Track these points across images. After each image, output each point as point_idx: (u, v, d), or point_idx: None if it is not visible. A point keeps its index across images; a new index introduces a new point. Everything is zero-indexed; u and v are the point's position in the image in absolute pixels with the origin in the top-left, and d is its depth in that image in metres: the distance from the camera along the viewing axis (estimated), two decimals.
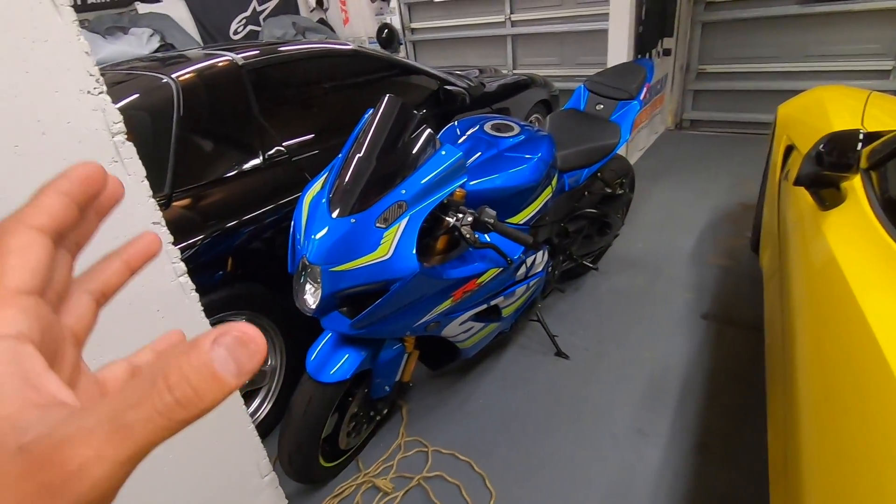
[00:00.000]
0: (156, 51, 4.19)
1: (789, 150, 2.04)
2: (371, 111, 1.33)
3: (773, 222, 1.98)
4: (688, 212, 3.15)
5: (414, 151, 1.24)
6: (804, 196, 1.47)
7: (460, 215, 1.28)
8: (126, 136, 0.98)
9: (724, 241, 2.78)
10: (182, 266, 1.11)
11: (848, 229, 1.18)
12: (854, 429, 0.84)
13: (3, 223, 0.21)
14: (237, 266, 1.71)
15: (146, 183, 1.02)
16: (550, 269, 1.92)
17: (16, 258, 0.20)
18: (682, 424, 1.71)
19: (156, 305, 1.07)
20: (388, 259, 1.16)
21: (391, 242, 1.16)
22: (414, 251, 1.15)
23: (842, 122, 1.73)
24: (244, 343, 0.18)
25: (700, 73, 4.32)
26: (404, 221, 1.18)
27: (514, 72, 4.52)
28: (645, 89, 2.11)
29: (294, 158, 1.92)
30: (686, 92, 4.47)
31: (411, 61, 2.65)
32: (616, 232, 2.32)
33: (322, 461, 1.52)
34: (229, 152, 1.80)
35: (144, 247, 0.29)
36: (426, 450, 1.73)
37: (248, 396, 1.84)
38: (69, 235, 0.25)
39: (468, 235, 1.26)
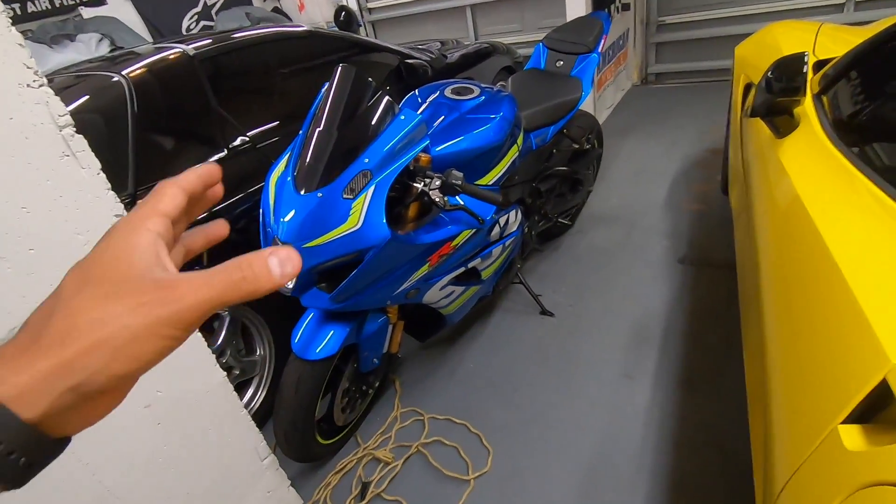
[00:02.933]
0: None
1: (748, 87, 2.07)
2: (326, 85, 1.31)
3: (738, 160, 2.02)
4: (659, 163, 3.19)
5: (373, 120, 1.23)
6: (762, 127, 1.51)
7: (427, 180, 1.29)
8: (75, 129, 0.96)
9: (696, 187, 2.82)
10: None
11: (803, 152, 1.21)
12: (812, 343, 0.87)
13: (165, 183, 0.34)
14: (212, 259, 1.69)
15: (103, 175, 1.01)
16: (526, 229, 1.94)
17: (168, 198, 0.33)
18: (666, 365, 1.76)
19: None
20: (359, 229, 1.16)
21: (360, 212, 1.17)
22: (384, 219, 1.16)
23: (791, 51, 1.76)
24: (287, 259, 0.29)
25: (660, 24, 4.32)
26: (371, 190, 1.18)
27: (476, 42, 4.48)
28: (603, 41, 2.12)
29: (259, 146, 1.90)
30: (649, 46, 4.48)
31: (369, 38, 2.61)
32: (588, 188, 2.34)
33: (320, 439, 1.54)
34: (191, 146, 1.78)
35: (219, 228, 0.41)
36: (422, 418, 1.77)
37: (241, 387, 1.84)
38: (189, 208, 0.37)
39: (437, 199, 1.27)
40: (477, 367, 1.94)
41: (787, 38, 1.91)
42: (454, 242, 1.41)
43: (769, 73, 1.25)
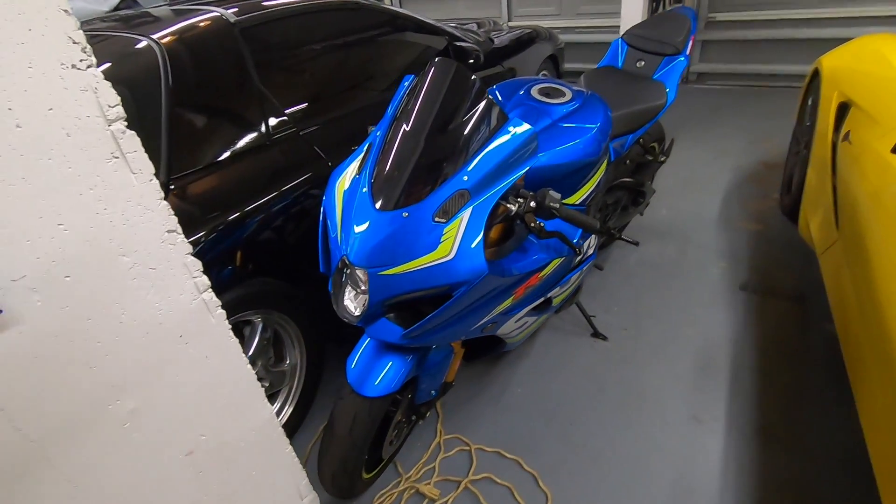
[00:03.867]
0: (116, 7, 3.73)
1: (843, 107, 1.88)
2: (412, 78, 1.11)
3: (826, 188, 1.85)
4: (708, 172, 3.01)
5: (475, 128, 1.03)
6: (892, 162, 1.33)
7: (521, 200, 1.10)
8: (126, 123, 0.76)
9: (750, 204, 2.65)
10: (205, 280, 0.91)
11: None
12: None
13: None
14: (247, 261, 1.50)
15: (156, 182, 0.81)
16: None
17: None
18: (738, 408, 1.61)
19: (177, 330, 0.88)
20: (451, 260, 0.98)
21: (454, 240, 0.98)
22: (483, 250, 0.97)
23: None
24: None
25: (709, 21, 4.08)
26: (467, 214, 0.99)
27: (511, 24, 4.21)
28: (691, 42, 1.91)
29: (302, 132, 1.69)
30: (695, 42, 4.24)
31: (417, 15, 2.36)
32: (648, 201, 2.16)
33: (364, 473, 1.38)
34: (229, 129, 1.55)
35: None
36: (468, 448, 1.61)
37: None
38: None
39: (532, 224, 1.08)
40: (526, 393, 1.78)
41: None
42: (543, 273, 1.23)
43: None
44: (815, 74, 2.26)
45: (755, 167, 3.00)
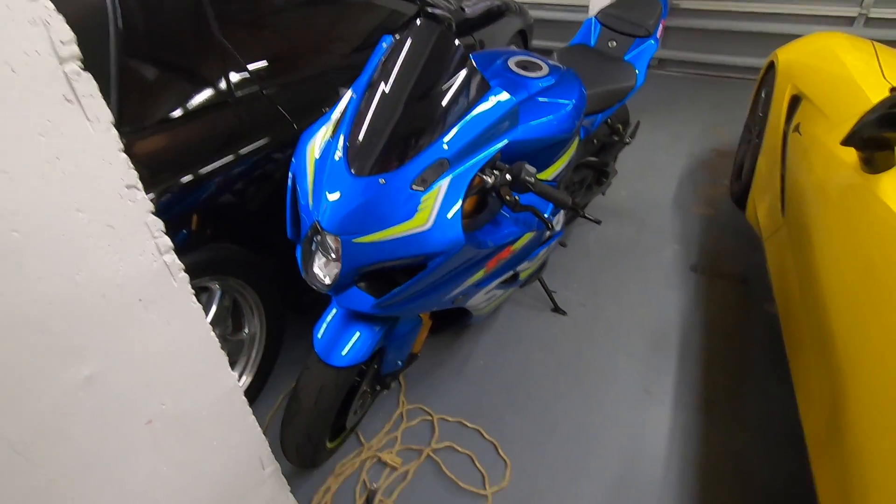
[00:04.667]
0: None
1: (795, 100, 1.98)
2: (391, 39, 1.06)
3: (774, 177, 1.95)
4: (665, 158, 3.11)
5: (457, 96, 1.01)
6: (837, 155, 1.41)
7: (497, 173, 1.09)
8: (82, 64, 0.69)
9: (703, 190, 2.77)
10: (167, 241, 0.86)
11: None
12: None
13: None
14: (204, 225, 1.43)
15: (115, 133, 0.74)
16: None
17: None
18: (686, 382, 1.71)
19: (137, 293, 0.82)
20: (428, 229, 0.96)
21: (431, 209, 0.96)
22: (461, 221, 0.96)
23: (861, 74, 1.67)
24: None
25: (674, 8, 4.15)
26: (445, 183, 0.98)
27: None
28: (661, 27, 1.94)
29: (266, 92, 1.60)
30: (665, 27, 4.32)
31: None
32: (610, 181, 2.21)
33: (327, 443, 1.37)
34: (185, 83, 1.45)
35: None
36: (430, 418, 1.63)
37: None
38: None
39: (508, 197, 1.08)
40: (487, 365, 1.81)
41: (849, 56, 1.81)
42: (514, 246, 1.24)
43: (892, 107, 1.14)
44: (771, 67, 2.36)
45: (708, 154, 3.13)
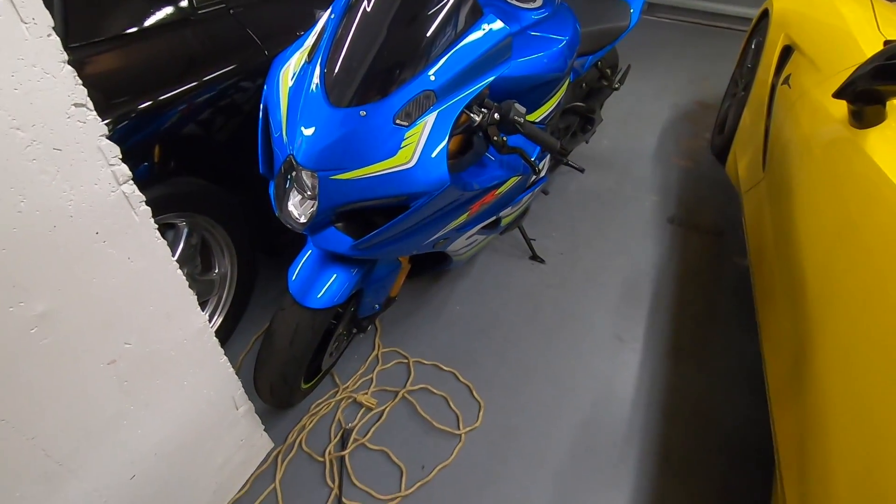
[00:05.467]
0: None
1: (787, 50, 1.93)
2: None
3: (758, 130, 1.93)
4: (649, 108, 3.06)
5: (445, 23, 0.92)
6: (825, 108, 1.39)
7: (485, 111, 1.03)
8: None
9: (684, 142, 2.76)
10: (125, 170, 0.78)
11: None
12: None
13: None
14: (167, 157, 1.33)
15: (56, 40, 0.65)
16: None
17: None
18: (656, 331, 1.76)
19: (93, 226, 0.76)
20: (412, 168, 0.90)
21: (415, 146, 0.90)
22: (446, 160, 0.90)
23: (858, 26, 1.63)
24: None
25: None
26: (431, 118, 0.91)
27: None
28: None
29: (232, 10, 1.45)
30: None
31: None
32: (595, 128, 2.16)
33: (302, 384, 1.36)
34: None
35: None
36: (406, 361, 1.64)
37: None
38: None
39: (495, 137, 1.03)
40: (464, 311, 1.81)
41: (846, 8, 1.75)
42: (499, 190, 1.19)
43: (887, 59, 1.10)
44: (764, 15, 2.29)
45: (692, 106, 3.09)
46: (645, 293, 1.89)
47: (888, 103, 1.20)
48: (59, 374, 0.77)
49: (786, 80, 1.79)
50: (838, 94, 1.24)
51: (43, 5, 0.62)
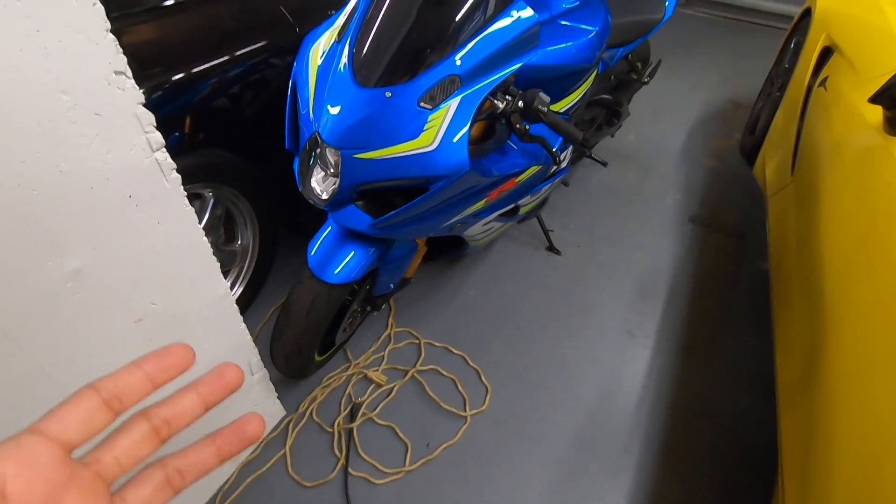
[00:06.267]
0: None
1: (826, 52, 1.87)
2: None
3: (790, 133, 1.89)
4: (679, 104, 3.00)
5: (474, 8, 0.93)
6: (861, 112, 1.36)
7: (510, 98, 1.03)
8: None
9: (713, 141, 2.70)
10: (159, 137, 0.82)
11: None
12: None
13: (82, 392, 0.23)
14: (197, 128, 1.36)
15: (101, 8, 0.68)
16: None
17: (71, 421, 0.22)
18: (668, 328, 1.75)
19: (126, 189, 0.79)
20: (433, 151, 0.92)
21: (438, 129, 0.92)
22: (467, 144, 0.92)
23: None
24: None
25: None
26: (455, 103, 0.92)
27: None
28: None
29: None
30: None
31: None
32: (621, 122, 2.13)
33: (316, 356, 1.41)
34: None
35: (224, 383, 0.28)
36: (417, 342, 1.67)
37: None
38: (157, 411, 0.26)
39: (518, 125, 1.03)
40: (478, 297, 1.83)
41: (893, 9, 1.69)
42: (519, 178, 1.20)
43: None
44: (806, 14, 2.22)
45: (724, 105, 3.02)
46: (660, 290, 1.89)
47: None
48: (90, 327, 0.82)
49: (822, 83, 1.74)
50: (874, 99, 1.21)
51: None
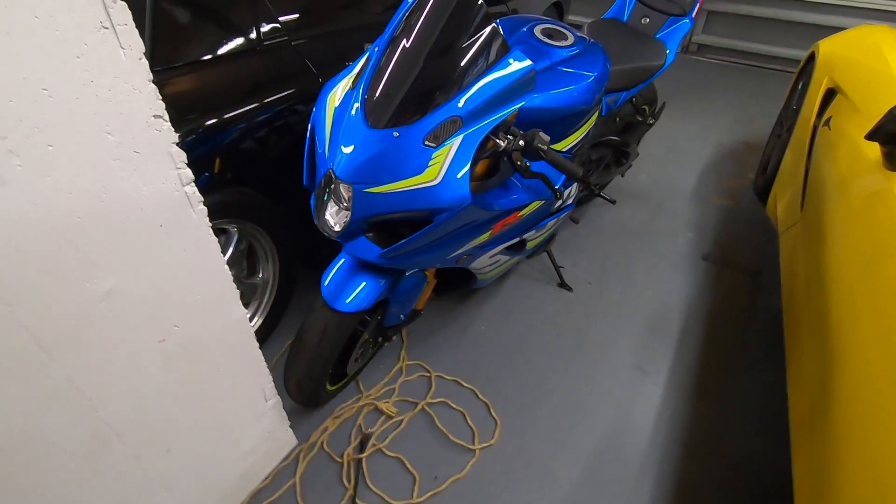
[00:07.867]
0: None
1: (830, 93, 1.92)
2: None
3: (799, 171, 1.92)
4: (691, 145, 3.06)
5: (475, 56, 1.02)
6: (861, 149, 1.39)
7: (511, 137, 1.11)
8: None
9: (726, 181, 2.73)
10: (188, 173, 0.91)
11: None
12: None
13: None
14: (225, 168, 1.48)
15: (145, 62, 0.78)
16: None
17: None
18: (681, 365, 1.74)
19: (158, 219, 0.88)
20: (436, 185, 0.99)
21: (441, 165, 0.99)
22: (469, 179, 0.99)
23: None
24: None
25: None
26: (457, 141, 1.00)
27: None
28: (697, 6, 1.89)
29: (294, 43, 1.62)
30: (700, 11, 4.17)
31: None
32: (630, 162, 2.19)
33: (328, 385, 1.45)
34: (217, 27, 1.48)
35: None
36: (428, 375, 1.70)
37: None
38: None
39: (519, 162, 1.10)
40: (489, 331, 1.86)
41: (893, 52, 1.74)
42: (522, 212, 1.26)
43: None
44: (811, 58, 2.28)
45: (737, 146, 3.06)
46: (672, 327, 1.88)
47: None
48: (117, 345, 0.89)
49: (826, 122, 1.78)
50: (871, 136, 1.25)
51: (138, 35, 0.76)
